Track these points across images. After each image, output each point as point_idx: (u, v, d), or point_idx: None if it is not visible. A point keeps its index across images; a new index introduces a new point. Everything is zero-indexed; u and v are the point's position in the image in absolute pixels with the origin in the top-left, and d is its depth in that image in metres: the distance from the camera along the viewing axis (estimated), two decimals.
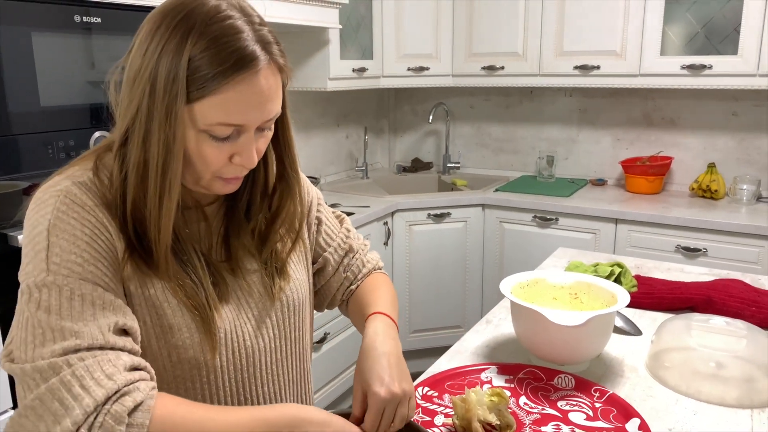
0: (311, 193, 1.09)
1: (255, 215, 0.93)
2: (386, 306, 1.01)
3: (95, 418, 0.66)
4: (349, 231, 1.14)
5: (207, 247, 0.90)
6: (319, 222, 1.09)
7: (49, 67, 1.50)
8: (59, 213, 0.76)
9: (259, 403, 0.92)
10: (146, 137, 0.76)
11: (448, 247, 3.00)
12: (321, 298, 1.14)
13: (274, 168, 0.93)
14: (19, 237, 1.41)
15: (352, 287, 1.12)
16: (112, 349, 0.71)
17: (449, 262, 3.01)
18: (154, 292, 0.81)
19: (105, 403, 0.67)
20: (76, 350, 0.69)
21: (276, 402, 0.95)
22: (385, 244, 2.86)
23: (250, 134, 0.80)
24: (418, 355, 2.96)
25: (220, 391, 0.87)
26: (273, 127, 0.85)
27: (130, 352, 0.73)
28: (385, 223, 2.85)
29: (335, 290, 1.12)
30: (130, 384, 0.69)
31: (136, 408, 0.68)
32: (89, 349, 0.70)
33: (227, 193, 0.88)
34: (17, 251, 1.41)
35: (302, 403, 1.03)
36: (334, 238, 1.10)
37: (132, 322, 0.76)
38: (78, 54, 1.57)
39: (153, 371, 0.75)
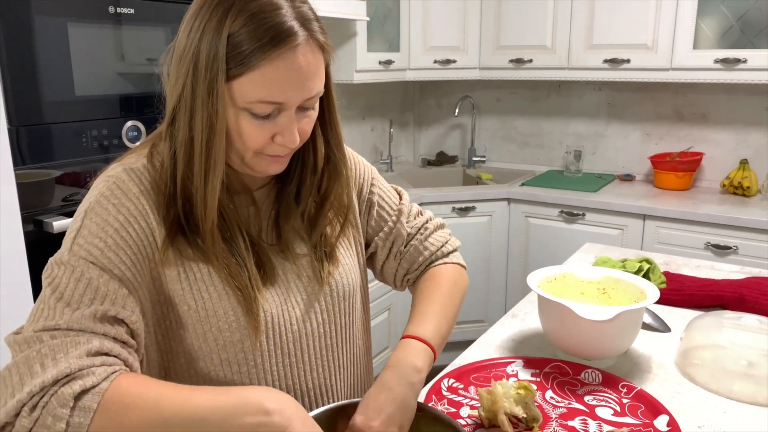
0: (364, 174, 1.06)
1: (305, 198, 0.93)
2: (430, 324, 0.96)
3: (40, 399, 0.65)
4: (400, 213, 1.07)
5: (257, 231, 0.90)
6: (371, 205, 1.06)
7: (84, 57, 1.52)
8: (101, 198, 0.78)
9: (307, 390, 0.91)
10: (191, 116, 0.77)
11: (473, 241, 2.99)
12: (386, 280, 1.13)
13: (323, 150, 0.92)
14: (54, 223, 1.44)
15: (409, 276, 1.09)
16: (92, 333, 0.70)
17: (473, 257, 3.00)
18: (199, 275, 0.82)
19: (53, 384, 0.65)
20: (55, 329, 0.69)
21: (326, 390, 0.94)
22: None
23: (291, 113, 0.79)
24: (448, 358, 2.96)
25: (268, 375, 0.87)
26: (317, 107, 0.84)
27: (114, 338, 0.72)
28: None
29: (393, 277, 1.10)
30: (87, 368, 0.67)
31: (85, 392, 0.66)
32: (67, 329, 0.69)
33: (275, 174, 0.88)
34: (53, 237, 1.45)
35: (357, 390, 1.02)
36: (386, 221, 1.07)
37: (129, 313, 0.74)
38: (110, 44, 1.60)
39: (133, 358, 0.74)
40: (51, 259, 0.76)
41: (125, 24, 1.61)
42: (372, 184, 1.07)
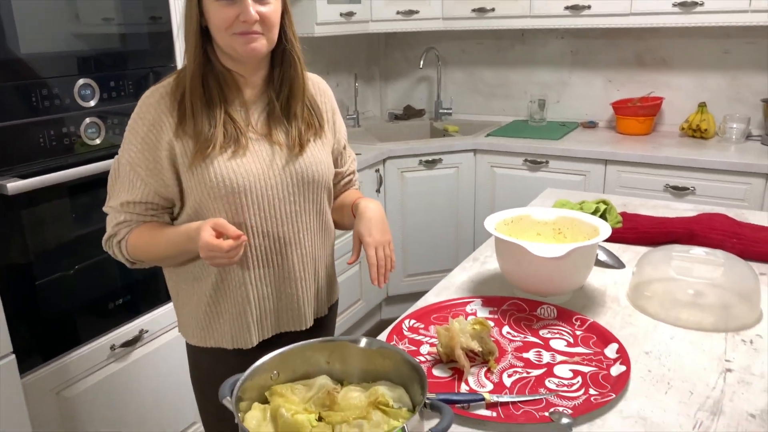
0: (330, 98, 1.31)
1: (282, 91, 1.19)
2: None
3: (106, 242, 1.20)
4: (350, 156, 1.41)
5: (245, 124, 1.16)
6: (337, 127, 1.31)
7: (30, 13, 1.47)
8: (135, 115, 1.14)
9: (283, 240, 1.19)
10: (185, 20, 1.11)
11: (440, 193, 3.02)
12: None
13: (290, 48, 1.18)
14: (8, 185, 1.42)
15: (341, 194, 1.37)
16: (123, 212, 1.16)
17: (441, 208, 3.04)
18: (193, 151, 1.12)
19: (108, 239, 1.19)
20: (109, 206, 1.18)
21: (295, 240, 1.21)
22: (377, 191, 2.88)
23: None
24: (412, 299, 3.00)
25: (248, 221, 1.14)
26: (277, 2, 1.11)
27: (138, 214, 1.16)
28: (377, 171, 2.86)
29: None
30: (116, 231, 1.17)
31: (121, 239, 1.17)
32: (111, 207, 1.18)
33: (257, 58, 1.13)
34: (8, 199, 1.43)
35: (318, 254, 1.27)
36: (345, 148, 1.37)
37: (142, 196, 1.14)
38: (61, 3, 1.55)
39: (139, 221, 1.16)
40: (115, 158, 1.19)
41: None
42: (335, 114, 1.31)
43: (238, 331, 1.20)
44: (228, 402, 0.80)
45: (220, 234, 1.05)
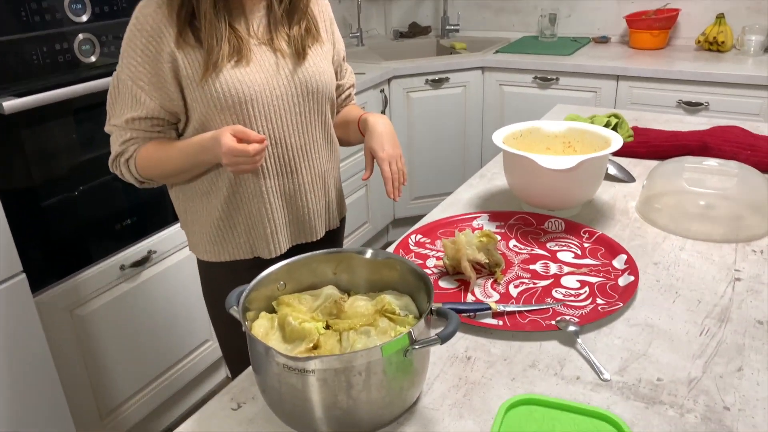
0: (326, 7, 1.27)
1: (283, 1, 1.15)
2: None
3: (114, 161, 1.16)
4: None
5: (246, 32, 1.12)
6: (336, 38, 1.28)
7: None
8: (132, 26, 1.08)
9: (292, 151, 1.17)
10: None
11: (447, 113, 2.95)
12: None
13: None
14: (4, 104, 1.39)
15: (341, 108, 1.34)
16: (128, 129, 1.12)
17: (448, 129, 2.98)
18: (197, 58, 1.08)
19: (116, 158, 1.16)
20: (113, 125, 1.14)
21: (303, 152, 1.20)
22: (383, 112, 2.82)
23: None
24: (418, 221, 3.01)
25: (254, 128, 1.12)
26: None
27: (143, 130, 1.12)
28: (382, 91, 2.79)
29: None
30: (123, 150, 1.14)
31: (129, 157, 1.14)
32: (115, 126, 1.13)
33: None
34: (5, 117, 1.41)
35: (326, 168, 1.25)
36: (344, 60, 1.33)
37: (147, 111, 1.10)
38: None
39: (146, 138, 1.13)
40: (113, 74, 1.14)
41: None
42: (332, 25, 1.27)
43: (255, 243, 1.20)
44: (235, 311, 0.80)
45: (240, 140, 1.03)
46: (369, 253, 0.92)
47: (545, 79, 2.76)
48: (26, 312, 1.45)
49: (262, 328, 0.83)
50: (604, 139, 1.31)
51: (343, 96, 1.34)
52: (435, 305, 0.80)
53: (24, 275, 1.43)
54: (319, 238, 1.26)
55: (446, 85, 2.89)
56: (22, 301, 1.43)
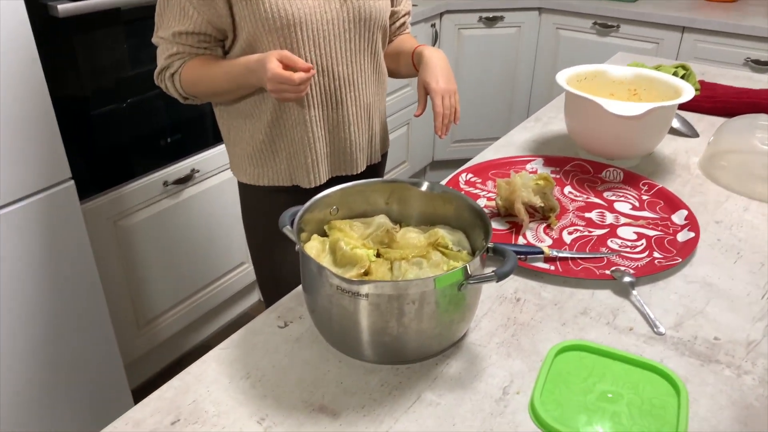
0: None
1: None
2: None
3: (159, 75, 1.15)
4: None
5: None
6: None
7: None
8: None
9: (339, 81, 1.14)
10: None
11: (499, 54, 2.85)
12: None
13: None
14: (59, 6, 1.37)
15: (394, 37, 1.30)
16: (175, 43, 1.10)
17: (498, 71, 2.89)
18: None
19: (161, 72, 1.14)
20: (161, 37, 1.12)
21: (350, 83, 1.16)
22: None
23: None
24: (457, 165, 2.96)
25: (303, 58, 1.08)
26: None
27: (190, 45, 1.10)
28: (433, 26, 2.69)
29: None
30: (169, 64, 1.12)
31: (174, 72, 1.12)
32: (163, 38, 1.11)
33: None
34: (59, 21, 1.39)
35: (372, 100, 1.22)
36: None
37: (195, 25, 1.07)
38: None
39: (192, 53, 1.11)
40: None
41: None
42: None
43: (295, 171, 1.18)
44: (289, 231, 0.79)
45: (286, 66, 0.99)
46: (425, 186, 0.89)
47: (605, 26, 2.63)
48: (74, 218, 1.47)
49: (314, 250, 0.82)
50: (673, 89, 1.24)
51: (398, 24, 1.28)
52: (491, 243, 0.78)
53: (72, 182, 1.45)
54: (360, 172, 1.24)
55: (500, 24, 2.78)
56: (70, 208, 1.46)
